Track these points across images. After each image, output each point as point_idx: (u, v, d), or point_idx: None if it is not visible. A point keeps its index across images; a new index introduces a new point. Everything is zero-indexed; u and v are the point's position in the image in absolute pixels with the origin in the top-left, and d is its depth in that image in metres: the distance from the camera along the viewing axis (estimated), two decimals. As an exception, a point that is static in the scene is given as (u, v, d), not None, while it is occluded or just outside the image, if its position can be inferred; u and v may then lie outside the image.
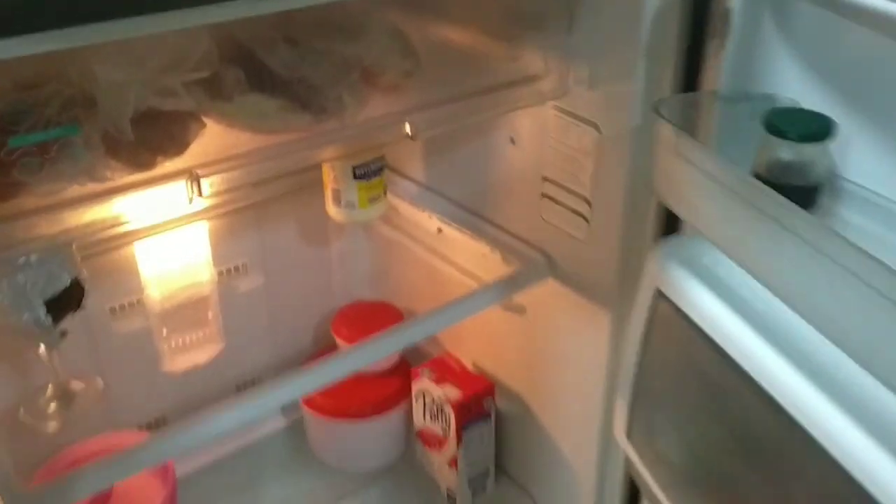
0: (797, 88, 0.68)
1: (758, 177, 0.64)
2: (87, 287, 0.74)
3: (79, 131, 0.60)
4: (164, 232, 1.06)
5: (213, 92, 0.71)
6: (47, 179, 0.61)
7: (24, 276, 0.67)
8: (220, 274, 1.15)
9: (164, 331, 1.12)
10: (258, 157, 0.71)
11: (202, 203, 1.08)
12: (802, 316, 0.58)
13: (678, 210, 0.71)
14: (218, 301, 1.14)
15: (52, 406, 0.81)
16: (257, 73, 0.72)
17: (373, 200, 1.03)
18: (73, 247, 0.72)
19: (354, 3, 0.78)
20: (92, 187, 0.65)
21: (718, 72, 0.71)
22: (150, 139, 0.68)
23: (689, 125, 0.69)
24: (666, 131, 0.66)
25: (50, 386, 0.82)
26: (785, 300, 0.61)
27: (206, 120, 0.73)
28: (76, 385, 0.84)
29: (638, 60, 0.77)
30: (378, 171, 1.02)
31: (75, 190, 0.64)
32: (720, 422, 0.67)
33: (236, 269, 1.17)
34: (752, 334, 0.64)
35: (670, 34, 0.75)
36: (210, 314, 1.16)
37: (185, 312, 1.12)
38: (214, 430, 0.79)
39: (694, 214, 0.68)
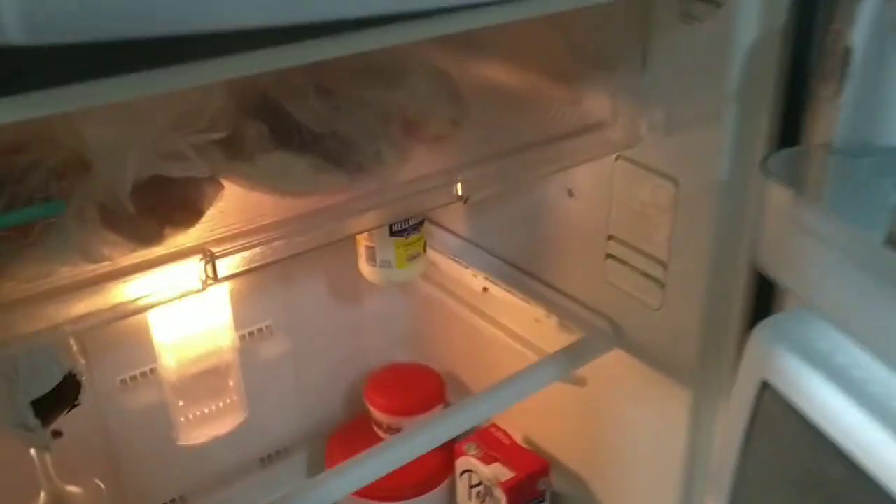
0: (934, 140, 0.56)
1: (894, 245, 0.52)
2: (84, 380, 0.63)
3: (65, 208, 0.49)
4: (179, 299, 0.95)
5: (232, 151, 0.60)
6: (30, 263, 0.51)
7: (9, 375, 0.56)
8: (241, 338, 1.04)
9: (181, 402, 1.01)
10: (285, 231, 0.60)
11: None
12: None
13: (790, 284, 0.59)
14: (239, 368, 1.03)
15: (46, 517, 0.70)
16: (283, 127, 0.62)
17: (412, 259, 0.92)
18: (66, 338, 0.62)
19: (394, 46, 0.67)
20: (86, 269, 0.55)
21: (831, 120, 0.59)
22: (156, 207, 0.57)
23: (801, 184, 0.57)
24: (777, 192, 0.54)
25: (42, 493, 0.71)
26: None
27: (224, 182, 0.62)
28: (72, 490, 0.73)
29: (725, 104, 0.66)
30: (417, 227, 0.91)
31: (66, 273, 0.54)
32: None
33: (259, 331, 1.06)
34: (888, 438, 0.52)
35: (766, 74, 0.64)
36: (231, 382, 1.05)
37: (204, 381, 1.02)
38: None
39: (811, 289, 0.56)
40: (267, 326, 1.06)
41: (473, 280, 0.98)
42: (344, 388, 1.16)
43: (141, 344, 0.94)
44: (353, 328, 1.14)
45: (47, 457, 0.69)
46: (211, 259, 0.55)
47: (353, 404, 1.17)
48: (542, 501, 0.99)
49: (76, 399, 0.63)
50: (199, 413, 1.02)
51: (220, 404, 1.04)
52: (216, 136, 0.54)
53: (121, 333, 0.94)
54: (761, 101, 0.65)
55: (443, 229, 1.04)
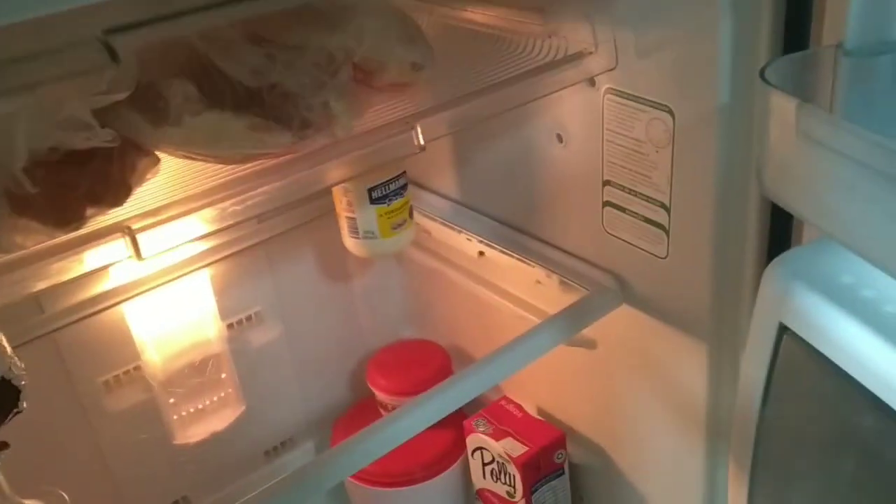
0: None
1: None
2: (24, 383, 0.57)
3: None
4: (156, 287, 0.89)
5: (156, 116, 0.53)
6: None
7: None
8: (230, 327, 0.98)
9: (172, 399, 0.95)
10: (224, 196, 0.53)
11: (201, 245, 0.93)
12: None
13: (802, 210, 0.51)
14: (231, 358, 0.97)
15: (-2, 538, 0.64)
16: (214, 84, 0.55)
17: (397, 227, 0.85)
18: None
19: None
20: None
21: (839, 18, 0.50)
22: (74, 185, 0.51)
23: (809, 93, 0.49)
24: (781, 105, 0.46)
25: (-6, 512, 0.65)
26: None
27: (159, 154, 0.55)
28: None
29: (720, 17, 0.58)
30: (400, 191, 0.84)
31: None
32: (879, 492, 0.47)
33: (249, 319, 0.99)
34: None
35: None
36: (223, 374, 0.99)
37: (194, 375, 0.96)
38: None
39: (827, 214, 0.48)
40: (256, 313, 1.00)
41: (468, 244, 0.91)
42: (345, 371, 1.10)
43: (120, 341, 0.89)
44: (348, 307, 1.07)
45: (-5, 471, 0.63)
46: (131, 235, 0.48)
47: (356, 387, 1.10)
48: (562, 474, 0.92)
49: (16, 405, 0.57)
50: (192, 409, 0.96)
51: (215, 398, 0.98)
52: (119, 96, 0.47)
53: (97, 331, 0.88)
54: (760, 4, 0.57)
55: (430, 192, 0.97)
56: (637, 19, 0.63)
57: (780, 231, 0.63)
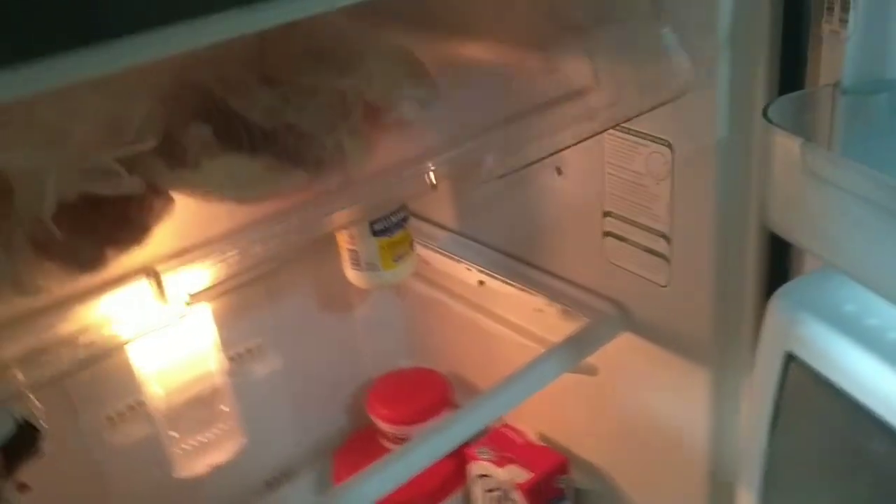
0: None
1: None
2: (43, 425, 0.58)
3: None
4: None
5: (174, 160, 0.54)
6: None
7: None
8: (231, 359, 0.98)
9: (174, 433, 0.95)
10: (242, 241, 0.54)
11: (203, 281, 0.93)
12: None
13: (805, 242, 0.53)
14: (232, 391, 0.98)
15: (14, 584, 0.65)
16: (230, 127, 0.56)
17: (398, 259, 0.86)
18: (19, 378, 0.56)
19: (347, 24, 0.61)
20: (22, 303, 0.49)
21: (836, 59, 0.52)
22: (94, 228, 0.52)
23: (810, 131, 0.51)
24: (785, 143, 0.48)
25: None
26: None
27: (176, 195, 0.56)
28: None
29: (719, 53, 0.60)
30: (401, 223, 0.85)
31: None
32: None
33: (249, 351, 1.00)
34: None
35: (761, 14, 0.57)
36: (225, 407, 0.99)
37: (196, 408, 0.96)
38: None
39: (830, 246, 0.50)
40: (257, 346, 1.00)
41: (468, 274, 0.92)
42: (345, 401, 1.11)
43: (123, 376, 0.89)
44: (347, 338, 1.08)
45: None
46: (156, 276, 0.49)
47: (356, 416, 1.11)
48: (564, 499, 0.93)
49: (35, 447, 0.57)
50: (194, 443, 0.96)
51: (216, 431, 0.98)
52: (145, 146, 0.48)
53: (100, 368, 0.88)
54: (757, 44, 0.59)
55: (429, 223, 0.98)
56: (638, 58, 0.65)
57: (779, 260, 0.65)
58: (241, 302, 0.97)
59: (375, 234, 0.84)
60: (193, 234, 0.55)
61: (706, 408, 0.74)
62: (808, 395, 0.54)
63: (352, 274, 0.87)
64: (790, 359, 0.53)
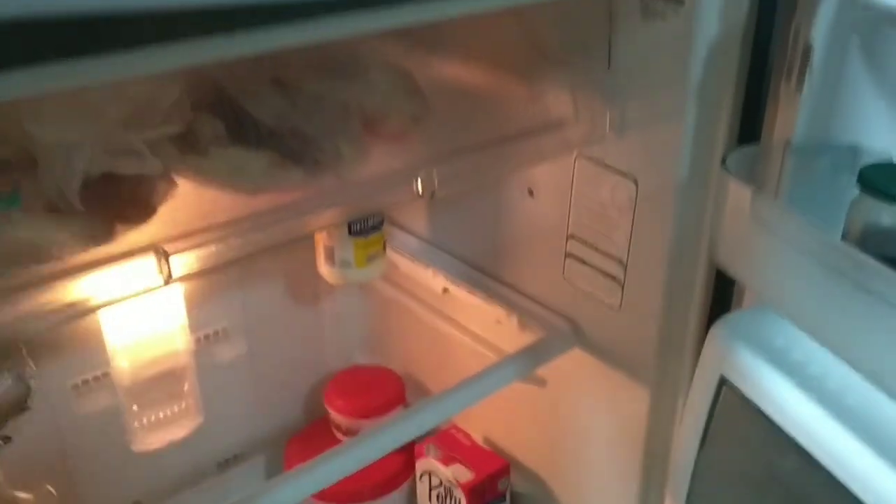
0: (889, 139, 0.56)
1: (850, 243, 0.53)
2: (33, 384, 0.61)
3: (20, 203, 0.48)
4: (133, 297, 0.93)
5: (186, 147, 0.58)
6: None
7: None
8: (197, 341, 1.02)
9: (135, 407, 0.99)
10: (242, 228, 0.58)
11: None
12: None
13: (748, 281, 0.59)
14: (195, 371, 1.01)
15: (-7, 525, 0.68)
16: (239, 122, 0.61)
17: (371, 259, 0.91)
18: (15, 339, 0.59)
19: (352, 39, 0.66)
20: (35, 270, 0.53)
21: (791, 118, 0.59)
22: (107, 204, 0.56)
23: (760, 182, 0.57)
24: (736, 189, 0.55)
25: (-11, 500, 0.69)
26: (887, 389, 0.49)
27: (178, 179, 0.61)
28: (23, 497, 0.71)
29: (686, 103, 0.66)
30: (377, 227, 0.90)
31: (14, 273, 0.52)
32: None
33: (216, 334, 1.04)
34: (843, 431, 0.53)
35: (727, 72, 0.64)
36: (186, 386, 1.03)
37: (159, 385, 0.99)
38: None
39: (769, 287, 0.57)
40: (223, 329, 1.04)
41: (433, 281, 0.97)
42: (303, 391, 1.15)
43: (93, 347, 0.92)
44: (311, 330, 1.12)
45: (-6, 462, 0.67)
46: (164, 255, 0.53)
47: (312, 407, 1.15)
48: (503, 501, 0.98)
49: (25, 404, 0.61)
50: (153, 418, 1.00)
51: (175, 408, 1.02)
52: (170, 130, 0.53)
53: (72, 337, 0.91)
54: (722, 98, 0.65)
55: (403, 230, 1.03)
56: (614, 98, 0.71)
57: (722, 292, 0.72)
58: (212, 285, 1.01)
59: (352, 233, 0.88)
60: (196, 218, 0.59)
61: (643, 425, 0.80)
62: (735, 416, 0.60)
63: (325, 269, 0.92)
64: (723, 382, 0.60)
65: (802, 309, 0.55)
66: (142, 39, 0.39)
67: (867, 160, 0.55)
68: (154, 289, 0.55)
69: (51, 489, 0.73)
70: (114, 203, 0.56)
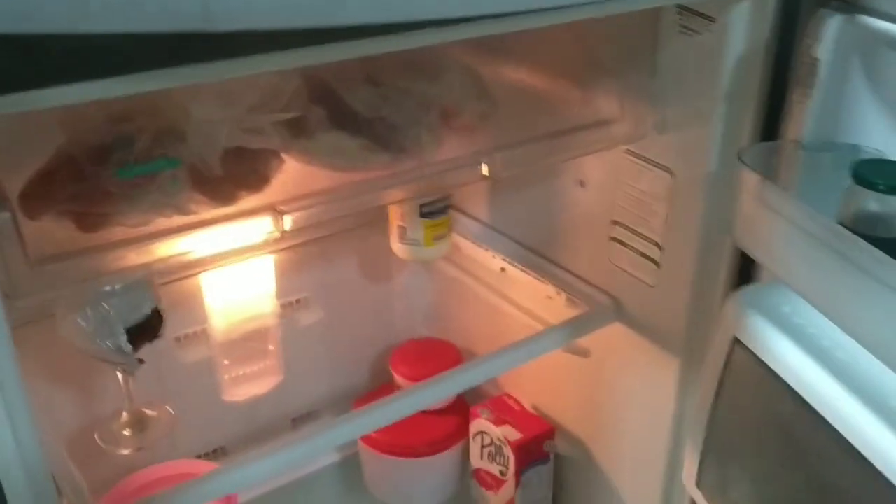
0: (884, 140, 0.67)
1: (851, 222, 0.63)
2: (164, 317, 0.75)
3: (180, 164, 0.61)
4: (231, 264, 1.07)
5: (296, 130, 0.72)
6: (139, 211, 0.63)
7: (108, 304, 0.68)
8: (282, 307, 1.15)
9: (226, 361, 1.13)
10: (337, 195, 0.72)
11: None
12: (889, 365, 0.57)
13: (759, 257, 0.70)
14: (279, 333, 1.15)
15: (126, 431, 0.82)
16: (339, 112, 0.74)
17: (437, 239, 1.04)
18: (154, 278, 0.73)
19: (435, 45, 0.78)
20: (177, 220, 0.66)
21: (802, 120, 0.70)
22: (233, 174, 0.69)
23: (771, 173, 0.68)
24: (749, 178, 0.66)
25: (124, 412, 0.83)
26: (870, 349, 0.60)
27: (285, 157, 0.74)
28: (149, 412, 0.85)
29: (717, 106, 0.77)
30: (444, 210, 1.03)
31: (161, 222, 0.65)
32: (799, 472, 0.65)
33: (298, 302, 1.18)
34: (834, 383, 0.63)
35: (752, 80, 0.75)
36: (271, 346, 1.16)
37: (247, 344, 1.13)
38: (279, 465, 0.79)
39: (776, 262, 0.67)
40: (305, 298, 1.18)
41: (492, 261, 1.10)
42: (371, 358, 1.28)
43: (194, 306, 1.06)
44: (381, 304, 1.25)
45: (130, 381, 0.81)
46: (280, 214, 0.66)
47: (378, 372, 1.28)
48: (547, 461, 1.10)
49: (158, 332, 0.75)
50: (241, 373, 1.14)
51: (261, 366, 1.16)
52: (290, 115, 0.66)
53: (178, 295, 1.05)
54: (747, 102, 0.76)
55: (466, 216, 1.15)
56: (656, 101, 0.82)
57: (745, 271, 0.82)
58: (298, 259, 1.14)
59: (423, 215, 1.01)
60: (298, 188, 0.73)
61: (673, 391, 0.91)
62: (744, 371, 0.70)
63: (397, 246, 1.05)
64: (736, 342, 0.70)
65: (804, 281, 0.66)
66: (271, 47, 0.52)
67: (863, 157, 0.65)
68: (269, 239, 0.68)
69: (169, 409, 0.87)
70: (238, 172, 0.70)
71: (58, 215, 0.63)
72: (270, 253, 1.12)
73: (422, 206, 1.01)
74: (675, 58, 0.80)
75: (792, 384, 0.65)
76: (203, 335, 1.11)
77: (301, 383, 1.21)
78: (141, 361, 0.75)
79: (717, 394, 0.73)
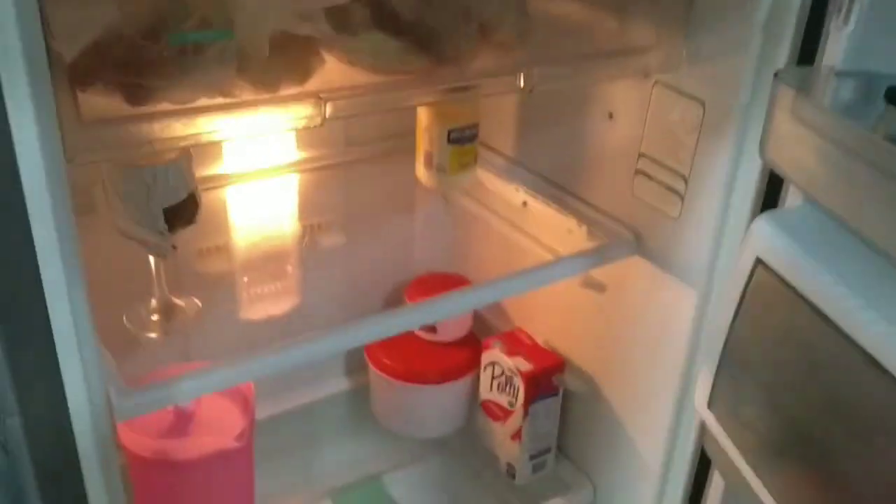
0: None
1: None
2: (200, 203, 0.76)
3: (234, 35, 0.62)
4: (257, 179, 1.09)
5: (340, 26, 0.73)
6: (186, 86, 0.64)
7: (148, 183, 0.69)
8: (303, 228, 1.17)
9: (245, 279, 1.14)
10: (375, 90, 0.73)
11: (295, 155, 1.13)
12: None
13: (791, 175, 0.71)
14: (298, 255, 1.16)
15: (155, 317, 0.84)
16: (382, 12, 0.75)
17: (463, 167, 1.05)
18: (192, 162, 0.75)
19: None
20: (220, 100, 0.68)
21: (837, 50, 0.71)
22: (277, 63, 0.70)
23: (807, 91, 0.69)
24: (785, 95, 0.67)
25: (153, 298, 0.84)
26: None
27: (326, 55, 0.75)
28: (177, 301, 0.87)
29: (753, 36, 0.78)
30: (472, 138, 1.04)
31: (204, 103, 0.67)
32: (815, 387, 0.67)
33: (319, 225, 1.19)
34: (858, 300, 0.64)
35: (789, 9, 0.76)
36: (289, 268, 1.18)
37: (266, 263, 1.15)
38: (290, 359, 0.80)
39: (808, 178, 0.68)
40: (326, 221, 1.19)
41: (515, 195, 1.11)
42: (388, 286, 1.30)
43: (219, 221, 1.08)
44: (401, 235, 1.27)
45: (162, 266, 0.82)
46: (322, 101, 0.68)
47: (394, 301, 1.30)
48: (556, 395, 1.11)
49: (194, 218, 0.76)
50: (259, 291, 1.16)
51: (279, 285, 1.17)
52: (339, 2, 0.67)
53: (204, 208, 1.07)
54: (784, 32, 0.77)
55: (492, 151, 1.16)
56: (691, 31, 0.83)
57: (770, 203, 0.83)
58: (322, 182, 1.16)
59: (450, 141, 1.02)
60: (336, 83, 0.74)
61: (690, 322, 0.92)
62: (767, 292, 0.71)
63: (422, 172, 1.06)
64: (759, 262, 0.71)
65: (834, 195, 0.66)
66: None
67: (898, 82, 0.66)
68: (311, 126, 0.69)
69: (196, 301, 0.89)
70: (280, 62, 0.71)
71: (107, 87, 0.64)
72: (295, 173, 1.13)
73: (450, 131, 1.02)
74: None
75: (815, 301, 0.66)
76: (225, 249, 1.12)
77: (315, 307, 1.22)
78: (175, 248, 0.76)
79: (737, 314, 0.74)
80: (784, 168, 0.70)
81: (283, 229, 1.14)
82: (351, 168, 1.17)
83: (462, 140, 1.03)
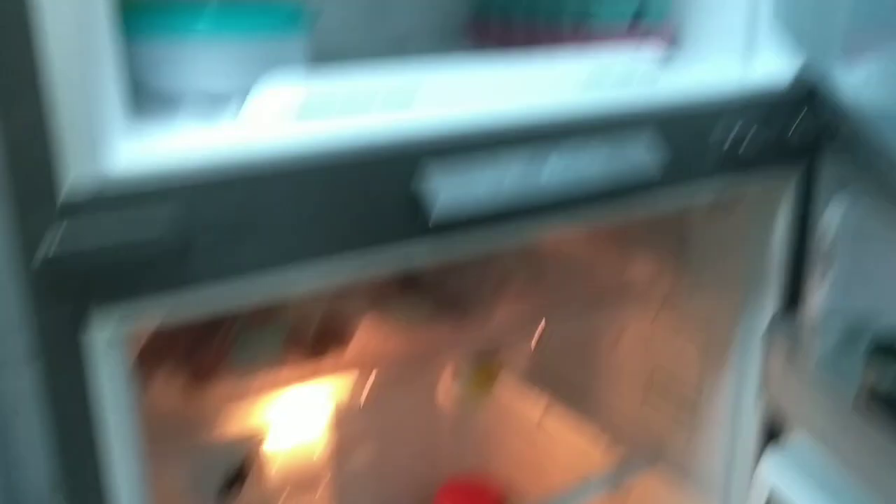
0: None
1: (871, 391, 0.71)
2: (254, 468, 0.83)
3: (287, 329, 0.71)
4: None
5: (373, 299, 0.82)
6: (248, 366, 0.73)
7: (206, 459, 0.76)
8: (337, 438, 1.21)
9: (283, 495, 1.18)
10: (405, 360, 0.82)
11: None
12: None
13: (788, 415, 0.78)
14: (332, 465, 1.20)
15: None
16: (411, 283, 0.84)
17: (484, 384, 1.12)
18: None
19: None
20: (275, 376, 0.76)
21: (818, 298, 0.79)
22: (320, 343, 0.79)
23: (797, 345, 0.77)
24: (778, 347, 0.75)
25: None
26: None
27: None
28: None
29: (745, 276, 0.87)
30: (493, 356, 1.11)
31: (256, 381, 0.75)
32: None
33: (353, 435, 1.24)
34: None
35: (778, 257, 0.84)
36: (318, 494, 1.21)
37: (301, 475, 1.18)
38: None
39: (802, 420, 0.75)
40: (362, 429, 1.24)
41: (532, 407, 1.17)
42: (419, 491, 1.33)
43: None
44: (431, 437, 1.32)
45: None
46: (367, 374, 0.76)
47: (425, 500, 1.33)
48: None
49: (237, 488, 0.82)
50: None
51: (313, 497, 1.21)
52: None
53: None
54: (771, 280, 0.85)
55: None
56: (688, 270, 0.92)
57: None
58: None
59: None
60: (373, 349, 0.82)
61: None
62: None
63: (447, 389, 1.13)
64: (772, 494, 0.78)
65: (826, 437, 0.73)
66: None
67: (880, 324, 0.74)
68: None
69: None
70: (323, 342, 0.80)
71: (173, 368, 0.73)
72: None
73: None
74: (705, 234, 0.90)
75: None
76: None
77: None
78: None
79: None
80: (784, 408, 0.77)
81: (314, 451, 1.18)
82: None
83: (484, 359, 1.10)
